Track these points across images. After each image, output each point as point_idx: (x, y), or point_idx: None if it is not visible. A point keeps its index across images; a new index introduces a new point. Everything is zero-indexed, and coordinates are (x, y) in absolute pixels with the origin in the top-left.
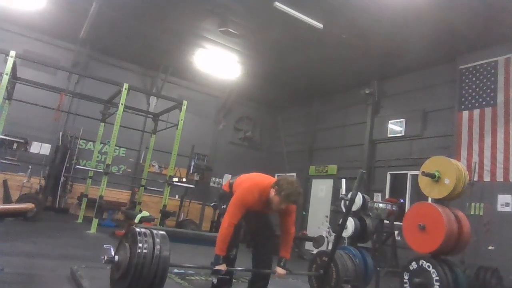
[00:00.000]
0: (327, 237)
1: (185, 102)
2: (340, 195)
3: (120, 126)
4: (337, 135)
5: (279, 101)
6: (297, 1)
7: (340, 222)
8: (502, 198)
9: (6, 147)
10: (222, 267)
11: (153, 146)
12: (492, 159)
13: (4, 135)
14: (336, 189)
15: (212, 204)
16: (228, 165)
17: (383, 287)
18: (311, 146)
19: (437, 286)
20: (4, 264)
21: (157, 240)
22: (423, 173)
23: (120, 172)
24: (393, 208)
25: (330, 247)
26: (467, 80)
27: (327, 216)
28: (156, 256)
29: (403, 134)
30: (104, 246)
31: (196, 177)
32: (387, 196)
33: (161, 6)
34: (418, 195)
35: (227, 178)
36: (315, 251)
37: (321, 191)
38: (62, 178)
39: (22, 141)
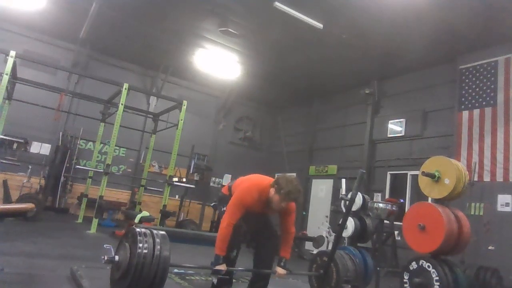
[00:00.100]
0: (327, 237)
1: (185, 102)
2: (340, 195)
3: (120, 126)
4: (337, 135)
5: (279, 101)
6: (297, 1)
7: (340, 222)
8: (502, 198)
9: (6, 147)
10: (222, 267)
11: (153, 146)
12: (492, 159)
13: (4, 135)
14: (336, 189)
15: (212, 204)
16: (228, 165)
17: (383, 287)
18: (311, 146)
19: (437, 286)
20: (4, 264)
21: (157, 240)
22: (423, 173)
23: (120, 172)
24: (393, 208)
25: (330, 247)
26: (467, 80)
27: (327, 216)
28: (156, 256)
29: (403, 134)
30: (104, 246)
31: (196, 177)
32: (387, 196)
33: (161, 6)
34: (418, 195)
35: (227, 178)
36: (315, 251)
37: (321, 191)
38: (62, 178)
39: (22, 141)
